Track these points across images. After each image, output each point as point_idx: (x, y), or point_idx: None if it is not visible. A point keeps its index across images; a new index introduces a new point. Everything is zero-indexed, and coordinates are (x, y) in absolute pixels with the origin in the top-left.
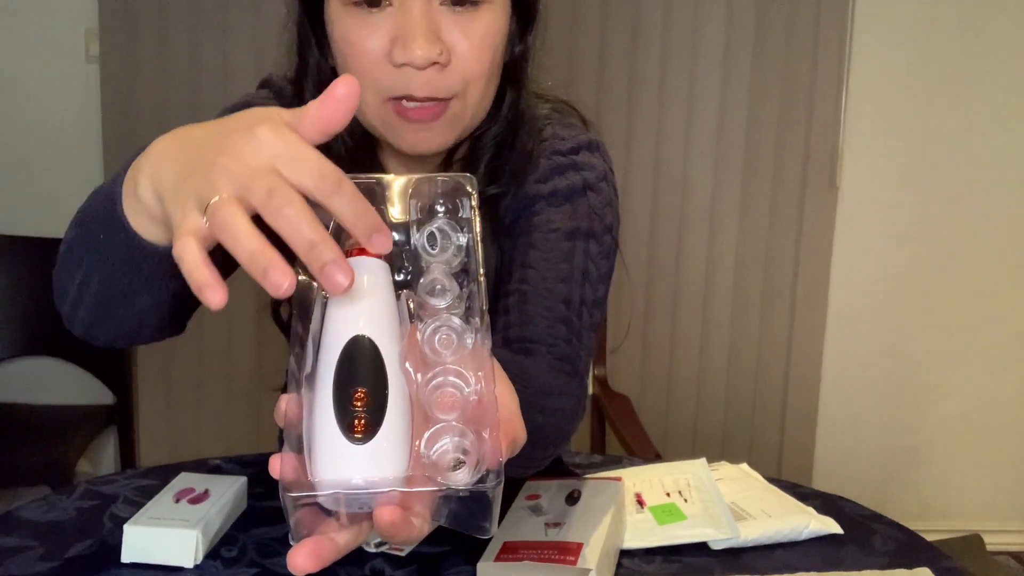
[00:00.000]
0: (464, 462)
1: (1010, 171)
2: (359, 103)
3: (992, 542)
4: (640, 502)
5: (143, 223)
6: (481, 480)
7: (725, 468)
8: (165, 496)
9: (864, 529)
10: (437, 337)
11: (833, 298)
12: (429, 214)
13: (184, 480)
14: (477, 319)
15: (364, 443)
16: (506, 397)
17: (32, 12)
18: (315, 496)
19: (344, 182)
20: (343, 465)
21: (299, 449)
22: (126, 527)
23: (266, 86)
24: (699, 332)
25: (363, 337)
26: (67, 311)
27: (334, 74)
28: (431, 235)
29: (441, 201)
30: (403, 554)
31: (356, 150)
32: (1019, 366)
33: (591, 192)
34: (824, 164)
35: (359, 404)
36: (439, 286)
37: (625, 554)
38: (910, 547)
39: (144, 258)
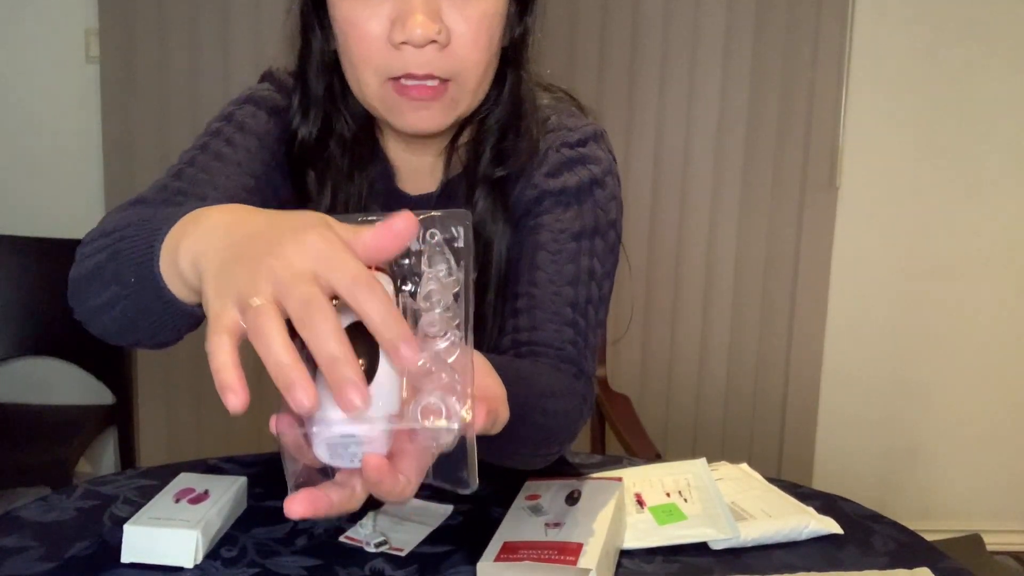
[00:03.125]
0: (443, 413)
1: (1010, 171)
2: (362, 87)
3: (992, 542)
4: (640, 502)
5: (177, 285)
6: (451, 427)
7: (725, 468)
8: (165, 496)
9: (864, 529)
10: (425, 331)
11: (833, 298)
12: (425, 239)
13: (184, 480)
14: (462, 334)
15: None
16: (490, 381)
17: (32, 12)
18: (310, 434)
19: (376, 288)
20: (336, 419)
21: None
22: (126, 527)
23: (267, 79)
24: (699, 332)
25: (359, 322)
26: (84, 316)
27: (336, 58)
28: (424, 255)
29: (435, 230)
30: (403, 554)
31: (359, 132)
32: (1019, 366)
33: (598, 188)
34: (824, 164)
35: None
36: (433, 296)
37: (625, 554)
38: (910, 547)
39: (174, 310)
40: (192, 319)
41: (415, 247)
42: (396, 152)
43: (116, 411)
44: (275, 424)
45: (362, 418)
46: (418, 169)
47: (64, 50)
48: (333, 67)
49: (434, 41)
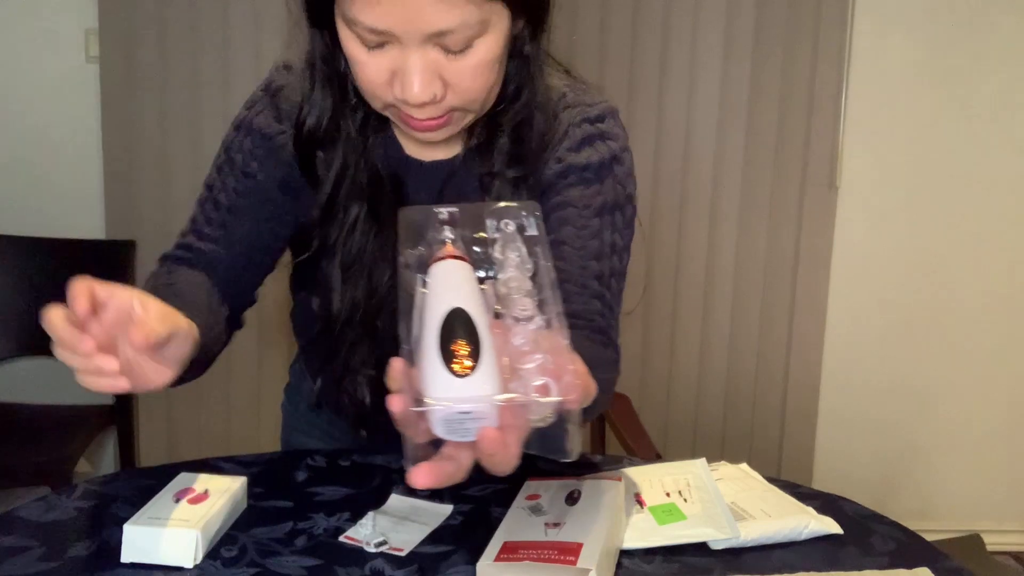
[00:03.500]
0: (548, 390)
1: (1010, 171)
2: (371, 103)
3: (992, 542)
4: (640, 502)
5: None
6: (565, 403)
7: (725, 468)
8: (165, 496)
9: (864, 529)
10: (516, 315)
11: (833, 298)
12: (499, 229)
13: (184, 480)
14: (549, 307)
15: (466, 378)
16: (575, 356)
17: (32, 12)
18: (437, 409)
19: None
20: (449, 391)
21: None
22: (126, 527)
23: (267, 91)
24: (699, 332)
25: (459, 308)
26: None
27: (346, 65)
28: (500, 241)
29: (510, 220)
30: (403, 554)
31: (369, 117)
32: (1019, 366)
33: (617, 164)
34: (824, 164)
35: (459, 351)
36: (514, 281)
37: (625, 554)
38: (910, 547)
39: None
40: None
41: (490, 236)
42: (407, 144)
43: (116, 411)
44: (393, 404)
45: (474, 393)
46: (432, 143)
47: (64, 50)
48: (344, 71)
49: (431, 103)
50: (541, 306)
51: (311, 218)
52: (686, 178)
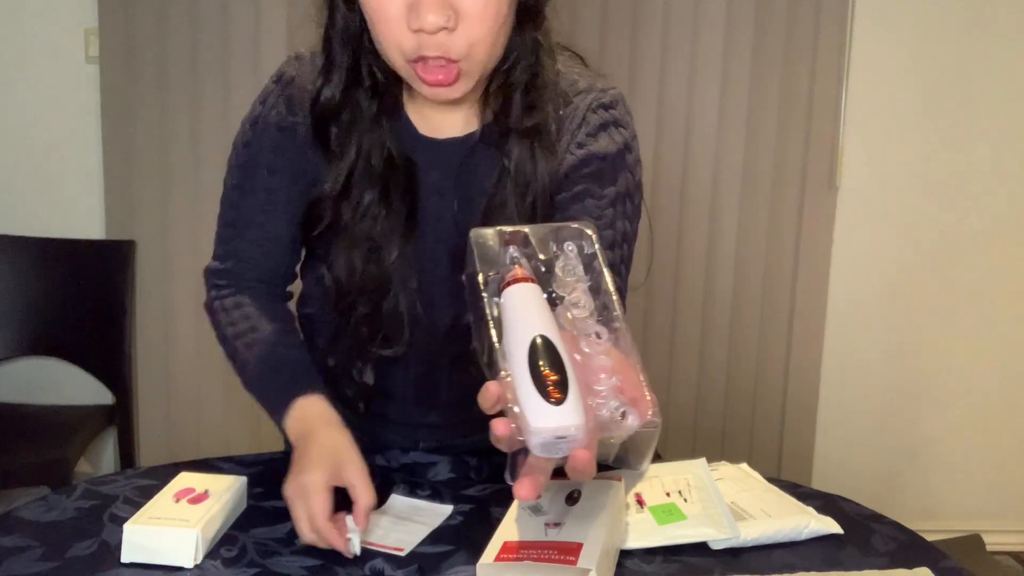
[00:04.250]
0: (627, 414)
1: (1010, 171)
2: (389, 60)
3: (992, 542)
4: (640, 502)
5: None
6: (644, 425)
7: (725, 468)
8: (165, 496)
9: (864, 529)
10: (584, 338)
11: (833, 298)
12: (561, 251)
13: (184, 480)
14: (616, 323)
15: (560, 404)
16: (644, 379)
17: (32, 12)
18: (543, 437)
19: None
20: (549, 419)
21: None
22: (126, 527)
23: (279, 82)
24: (699, 332)
25: (542, 336)
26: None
27: (362, 27)
28: (564, 263)
29: (567, 242)
30: (403, 554)
31: (386, 80)
32: (1019, 366)
33: (628, 153)
34: (824, 164)
35: (550, 380)
36: (580, 301)
37: (625, 554)
38: (910, 547)
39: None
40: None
41: (552, 256)
42: (424, 103)
43: (116, 411)
44: (498, 428)
45: (570, 419)
46: (446, 117)
47: (64, 50)
48: (359, 35)
49: (444, 27)
50: (606, 322)
51: (324, 193)
52: (686, 178)
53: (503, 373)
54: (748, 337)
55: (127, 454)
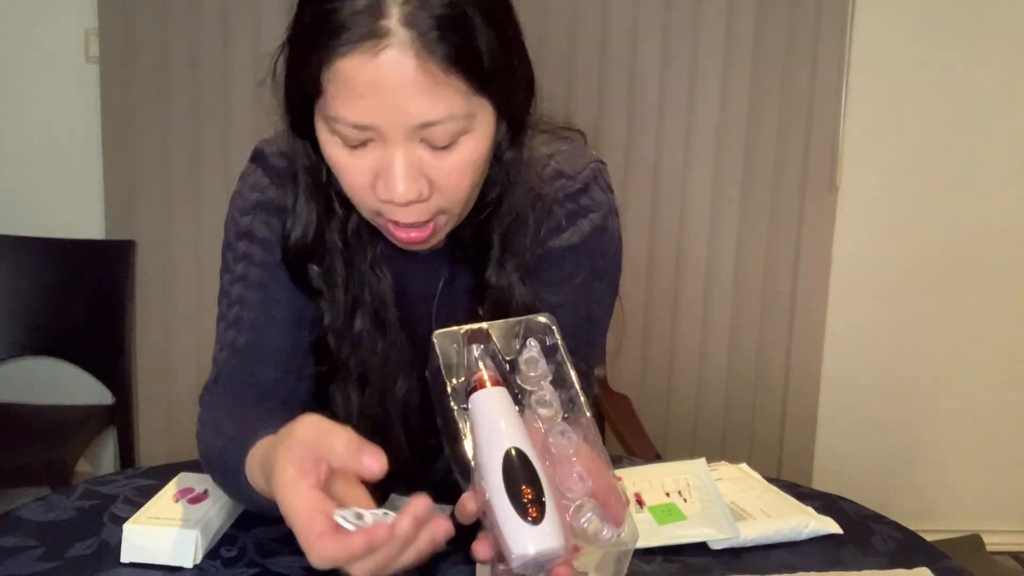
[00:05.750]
0: (603, 527)
1: (1010, 171)
2: (357, 209)
3: (992, 542)
4: (640, 502)
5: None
6: (618, 535)
7: (725, 468)
8: (165, 496)
9: (864, 529)
10: (553, 440)
11: (833, 298)
12: (524, 348)
13: (184, 480)
14: (582, 417)
15: (538, 523)
16: (620, 490)
17: (32, 12)
18: (525, 559)
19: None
20: (529, 541)
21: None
22: (126, 527)
23: (257, 159)
24: (699, 332)
25: (515, 448)
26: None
27: (327, 170)
28: (528, 360)
29: (530, 337)
30: None
31: (360, 224)
32: (1019, 366)
33: (600, 234)
34: (824, 164)
35: (527, 497)
36: (546, 398)
37: None
38: (910, 547)
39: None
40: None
41: (515, 355)
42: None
43: (116, 411)
44: (480, 551)
45: (550, 540)
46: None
47: (64, 50)
48: (328, 180)
49: (416, 201)
50: (573, 417)
51: (326, 327)
52: (686, 179)
53: (482, 489)
54: (748, 337)
55: (127, 454)
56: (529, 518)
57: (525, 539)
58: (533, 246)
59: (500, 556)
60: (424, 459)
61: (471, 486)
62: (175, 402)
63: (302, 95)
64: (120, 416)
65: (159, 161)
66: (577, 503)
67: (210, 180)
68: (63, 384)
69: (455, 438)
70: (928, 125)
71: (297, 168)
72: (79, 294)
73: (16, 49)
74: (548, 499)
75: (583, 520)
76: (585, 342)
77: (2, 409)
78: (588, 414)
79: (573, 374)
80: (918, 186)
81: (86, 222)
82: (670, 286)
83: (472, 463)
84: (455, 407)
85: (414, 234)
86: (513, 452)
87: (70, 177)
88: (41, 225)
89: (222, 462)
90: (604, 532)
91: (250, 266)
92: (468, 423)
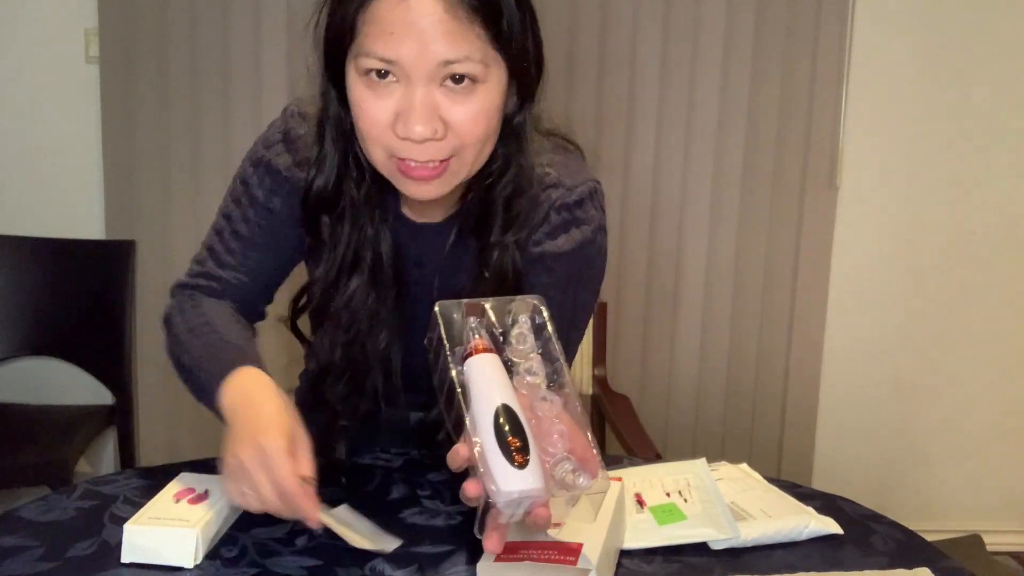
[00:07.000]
0: (579, 475)
1: (1010, 172)
2: (371, 157)
3: (992, 542)
4: (640, 502)
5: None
6: (591, 484)
7: (725, 468)
8: (165, 496)
9: (864, 529)
10: (538, 404)
11: (833, 298)
12: (515, 323)
13: (184, 480)
14: (565, 388)
15: (523, 468)
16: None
17: (32, 12)
18: (510, 497)
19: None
20: (514, 482)
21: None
22: (126, 527)
23: (286, 126)
24: (699, 332)
25: (505, 404)
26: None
27: (353, 126)
28: (518, 335)
29: (521, 314)
30: (398, 545)
31: (371, 186)
32: (1019, 366)
33: (588, 246)
34: (824, 164)
35: (514, 446)
36: (533, 368)
37: (625, 554)
38: (910, 547)
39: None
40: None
41: (508, 328)
42: (407, 207)
43: (116, 411)
44: (470, 489)
45: (532, 481)
46: (428, 206)
47: (64, 50)
48: (350, 132)
49: (431, 139)
50: (557, 387)
51: (315, 278)
52: (686, 178)
53: (475, 440)
54: (748, 337)
55: (127, 454)
56: (515, 463)
57: (511, 480)
58: (529, 240)
59: (486, 507)
60: (395, 411)
61: (463, 438)
62: (175, 402)
63: (339, 37)
64: (120, 416)
65: (159, 161)
66: (557, 456)
67: (210, 180)
68: (63, 384)
69: (451, 396)
70: (928, 125)
71: (325, 117)
72: (79, 294)
73: (16, 49)
74: (532, 449)
75: (561, 471)
76: (566, 342)
77: (2, 409)
78: (570, 385)
79: (558, 347)
80: (918, 185)
81: (86, 222)
82: (670, 285)
83: (466, 418)
84: (453, 368)
85: (426, 173)
86: (503, 408)
87: (70, 177)
88: (41, 225)
89: (199, 359)
90: (580, 480)
91: (236, 213)
92: (463, 384)
